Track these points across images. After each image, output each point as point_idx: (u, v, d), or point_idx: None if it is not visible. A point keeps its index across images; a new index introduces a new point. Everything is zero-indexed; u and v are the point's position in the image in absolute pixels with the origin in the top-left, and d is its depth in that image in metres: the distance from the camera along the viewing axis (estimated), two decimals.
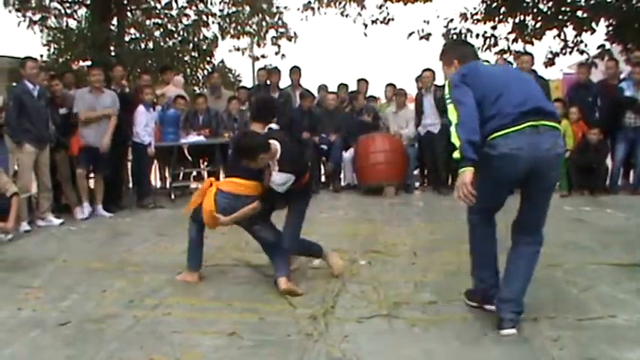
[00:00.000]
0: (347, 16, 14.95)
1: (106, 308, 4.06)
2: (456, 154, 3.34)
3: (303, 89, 10.05)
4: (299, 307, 3.95)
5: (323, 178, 10.22)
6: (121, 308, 4.05)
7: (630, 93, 8.43)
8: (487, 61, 3.78)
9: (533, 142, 3.31)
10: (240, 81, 26.22)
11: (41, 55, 13.93)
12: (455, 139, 3.35)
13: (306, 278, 4.65)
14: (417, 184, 10.01)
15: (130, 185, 9.65)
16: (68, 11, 14.74)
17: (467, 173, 3.27)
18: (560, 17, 12.84)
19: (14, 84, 8.53)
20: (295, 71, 10.21)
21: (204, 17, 15.09)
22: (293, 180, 4.28)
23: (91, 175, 8.17)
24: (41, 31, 14.67)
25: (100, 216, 7.81)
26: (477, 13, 13.74)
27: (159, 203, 8.69)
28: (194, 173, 10.33)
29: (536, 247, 3.58)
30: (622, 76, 9.15)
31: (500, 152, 3.31)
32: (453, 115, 3.43)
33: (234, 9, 15.28)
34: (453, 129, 3.39)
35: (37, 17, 14.41)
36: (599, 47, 12.39)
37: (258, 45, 16.39)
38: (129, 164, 9.28)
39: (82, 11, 14.85)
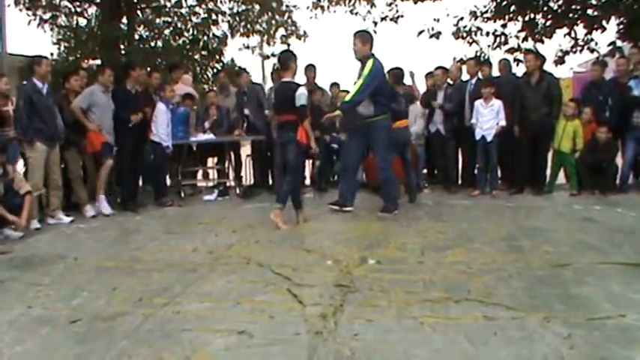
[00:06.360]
0: (356, 14, 14.97)
1: (116, 306, 4.08)
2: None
3: (317, 87, 9.96)
4: (308, 306, 3.96)
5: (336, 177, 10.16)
6: (130, 306, 4.07)
7: (638, 92, 8.38)
8: None
9: None
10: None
11: (51, 54, 13.88)
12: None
13: (317, 275, 4.65)
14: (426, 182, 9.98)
15: (141, 184, 9.69)
16: (78, 10, 14.74)
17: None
18: (570, 15, 12.76)
19: (24, 82, 8.56)
20: (310, 69, 10.00)
21: (214, 16, 15.04)
22: None
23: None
24: (51, 29, 14.63)
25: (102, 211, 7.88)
26: (487, 12, 13.70)
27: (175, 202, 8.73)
28: (201, 171, 10.44)
29: None
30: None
31: None
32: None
33: (243, 7, 15.22)
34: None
35: (47, 16, 14.42)
36: (609, 45, 12.31)
37: (268, 43, 16.36)
38: None
39: (92, 10, 14.85)
